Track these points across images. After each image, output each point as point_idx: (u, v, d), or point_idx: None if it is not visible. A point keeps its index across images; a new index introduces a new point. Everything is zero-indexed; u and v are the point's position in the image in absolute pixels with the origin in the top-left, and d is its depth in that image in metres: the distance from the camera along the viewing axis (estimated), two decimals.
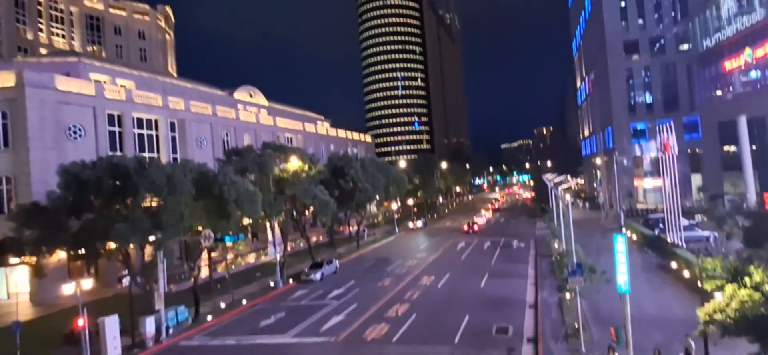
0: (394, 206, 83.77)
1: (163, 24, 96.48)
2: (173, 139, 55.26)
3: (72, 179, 32.83)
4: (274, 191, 45.11)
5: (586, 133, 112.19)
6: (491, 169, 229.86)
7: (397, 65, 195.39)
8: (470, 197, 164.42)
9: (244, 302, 36.55)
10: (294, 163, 47.83)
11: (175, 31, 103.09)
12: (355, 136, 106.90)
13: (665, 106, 76.01)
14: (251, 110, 74.01)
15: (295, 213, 49.99)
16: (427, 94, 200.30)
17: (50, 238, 31.03)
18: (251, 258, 53.99)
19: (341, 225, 68.61)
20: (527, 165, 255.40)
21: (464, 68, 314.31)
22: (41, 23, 76.64)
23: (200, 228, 36.69)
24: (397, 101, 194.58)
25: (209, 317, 32.75)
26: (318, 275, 43.35)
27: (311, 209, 49.59)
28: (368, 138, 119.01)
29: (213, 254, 43.46)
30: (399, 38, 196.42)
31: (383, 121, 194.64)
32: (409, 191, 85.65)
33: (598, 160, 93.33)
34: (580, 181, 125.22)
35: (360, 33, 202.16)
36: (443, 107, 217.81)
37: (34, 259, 31.42)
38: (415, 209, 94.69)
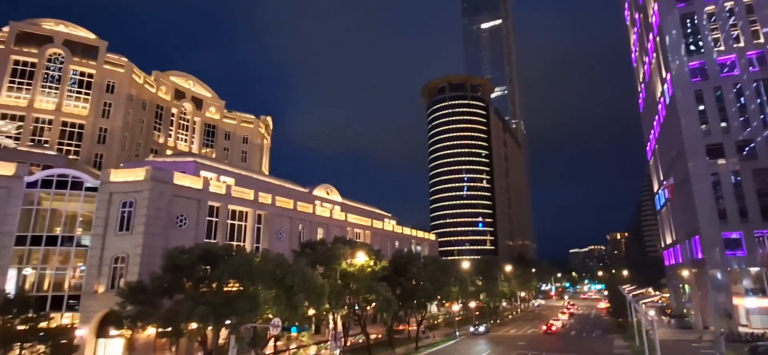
0: (456, 307, 79.84)
1: (263, 130, 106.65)
2: (258, 230, 58.97)
3: (171, 263, 35.98)
4: (340, 285, 45.60)
5: (668, 241, 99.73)
6: (559, 275, 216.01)
7: (463, 167, 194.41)
8: (536, 304, 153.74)
9: None
10: (360, 259, 48.26)
11: (273, 136, 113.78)
12: (420, 234, 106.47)
13: (763, 214, 64.66)
14: (327, 206, 77.41)
15: (357, 307, 49.25)
16: (492, 196, 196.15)
17: (146, 314, 33.71)
18: (312, 350, 52.57)
19: (401, 324, 64.54)
20: (600, 273, 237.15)
21: (530, 172, 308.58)
22: (171, 130, 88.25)
23: (270, 316, 37.91)
24: (461, 201, 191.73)
25: None
26: None
27: (373, 304, 48.98)
28: (432, 236, 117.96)
29: (278, 343, 43.41)
30: (465, 141, 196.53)
31: (447, 221, 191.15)
32: (471, 293, 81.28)
33: (685, 273, 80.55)
34: (665, 295, 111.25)
35: (428, 136, 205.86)
36: (508, 210, 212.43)
37: (129, 333, 34.02)
38: (477, 313, 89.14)
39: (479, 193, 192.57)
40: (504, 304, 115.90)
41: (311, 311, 43.23)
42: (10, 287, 38.08)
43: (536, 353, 55.25)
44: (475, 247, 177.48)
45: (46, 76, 69.37)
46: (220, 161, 74.22)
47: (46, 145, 64.92)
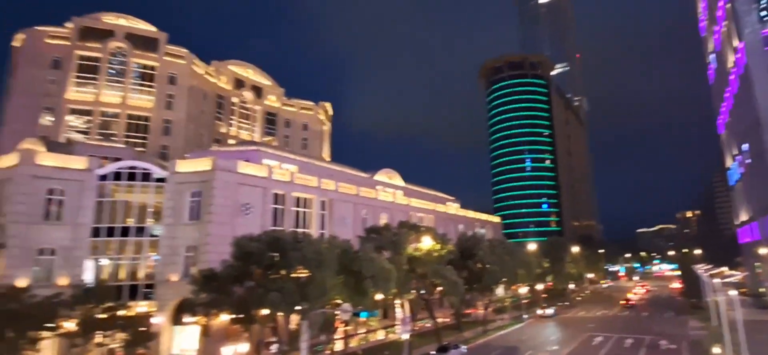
0: (523, 290, 77.10)
1: (322, 117, 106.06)
2: (322, 216, 58.08)
3: (240, 251, 35.40)
4: (407, 269, 44.24)
5: (743, 218, 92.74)
6: (627, 255, 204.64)
7: (525, 147, 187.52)
8: (605, 285, 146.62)
9: None
10: (426, 243, 46.57)
11: (332, 121, 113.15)
12: (483, 217, 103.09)
13: None
14: (389, 191, 75.75)
15: (424, 292, 48.06)
16: (556, 176, 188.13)
17: (219, 302, 33.41)
18: (380, 334, 52.06)
19: (468, 307, 63.71)
20: (670, 252, 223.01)
21: (593, 151, 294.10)
22: (233, 120, 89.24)
23: (338, 301, 36.97)
24: (525, 182, 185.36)
25: None
26: None
27: (440, 288, 47.62)
28: (496, 219, 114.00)
29: (347, 328, 42.91)
30: (527, 121, 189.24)
31: (511, 203, 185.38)
32: (538, 275, 78.94)
33: (763, 250, 75.90)
34: (740, 274, 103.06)
35: (489, 117, 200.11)
36: (572, 190, 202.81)
37: (204, 320, 33.87)
38: (545, 295, 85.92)
39: (542, 173, 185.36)
40: (572, 286, 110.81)
41: (379, 296, 42.28)
42: (89, 278, 38.76)
43: (607, 334, 52.14)
44: (540, 228, 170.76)
45: (110, 70, 71.28)
46: (281, 149, 74.05)
47: (114, 138, 66.87)
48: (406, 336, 41.66)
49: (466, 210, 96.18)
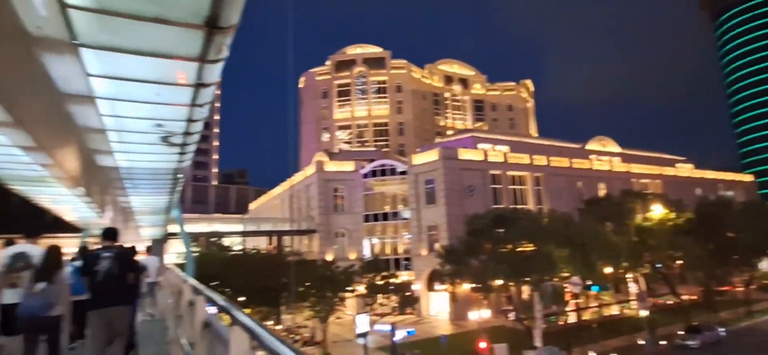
0: None
1: (524, 95, 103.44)
2: (538, 192, 57.95)
3: (470, 228, 39.17)
4: (636, 241, 40.92)
5: None
6: None
7: None
8: None
9: None
10: (656, 212, 42.01)
11: (536, 97, 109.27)
12: (728, 176, 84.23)
13: None
14: (603, 159, 69.92)
15: (660, 266, 42.79)
16: None
17: (459, 272, 37.81)
18: (614, 309, 47.54)
19: (721, 284, 49.45)
20: None
21: None
22: (448, 112, 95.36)
23: (566, 274, 37.17)
24: None
25: None
26: (696, 341, 34.09)
27: (679, 262, 42.22)
28: (747, 177, 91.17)
29: (578, 301, 41.77)
30: None
31: (766, 156, 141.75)
32: None
33: None
34: None
35: (721, 56, 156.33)
36: None
37: (450, 287, 38.82)
38: None
39: None
40: None
41: (608, 270, 40.35)
42: (367, 253, 48.67)
43: None
44: None
45: (357, 90, 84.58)
46: (492, 132, 75.97)
47: (366, 143, 79.64)
48: (644, 313, 37.25)
49: (702, 171, 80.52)
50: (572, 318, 40.35)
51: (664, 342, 35.31)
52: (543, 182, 57.81)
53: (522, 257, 35.90)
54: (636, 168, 69.66)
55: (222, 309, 3.69)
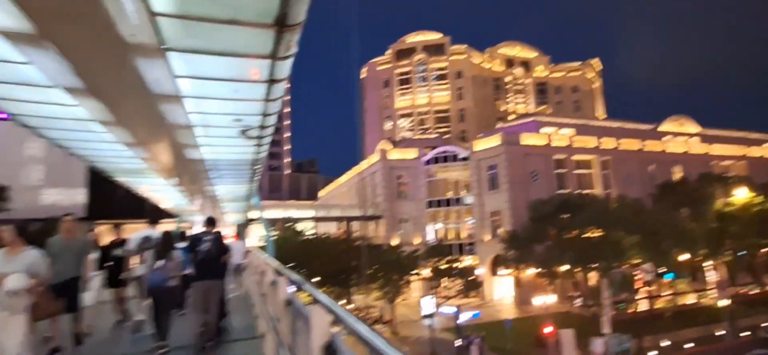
0: None
1: (591, 75, 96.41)
2: (605, 176, 54.22)
3: (534, 214, 37.66)
4: (716, 228, 37.15)
5: None
6: None
7: None
8: None
9: (688, 347, 30.81)
10: (739, 195, 37.81)
11: (603, 77, 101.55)
12: None
13: None
14: (679, 141, 63.53)
15: (743, 253, 39.09)
16: None
17: (523, 258, 36.63)
18: (690, 299, 43.47)
19: None
20: None
21: None
22: (509, 97, 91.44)
23: (637, 261, 34.75)
24: None
25: (652, 353, 29.60)
26: None
27: (765, 250, 37.89)
28: None
29: (650, 289, 38.82)
30: None
31: None
32: None
33: None
34: None
35: None
36: None
37: (514, 272, 37.75)
38: None
39: None
40: None
41: (683, 257, 37.07)
42: (431, 238, 48.59)
43: None
44: None
45: (417, 78, 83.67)
46: (555, 116, 72.07)
47: (428, 131, 78.86)
48: (724, 302, 34.23)
49: None
50: (644, 306, 37.67)
51: (746, 333, 32.54)
52: (611, 166, 54.03)
53: (589, 244, 34.24)
54: (717, 149, 62.69)
55: (301, 289, 3.90)
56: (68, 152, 8.76)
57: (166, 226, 10.72)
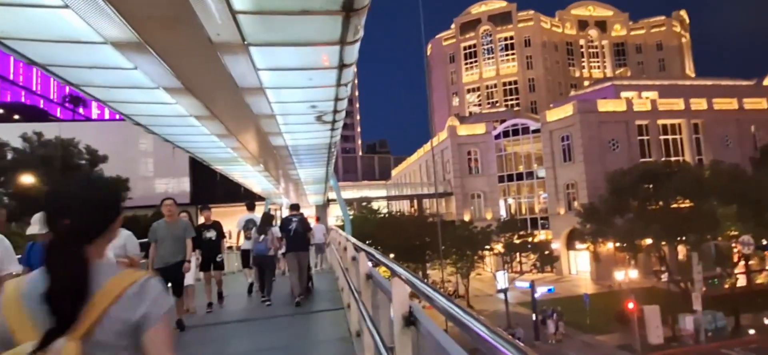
0: None
1: (678, 29, 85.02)
2: (697, 140, 48.17)
3: (614, 185, 34.66)
4: None
5: None
6: None
7: None
8: None
9: None
10: None
11: (691, 31, 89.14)
12: None
13: None
14: None
15: None
16: None
17: (602, 232, 34.04)
18: None
19: None
20: None
21: None
22: (583, 62, 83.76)
23: (734, 233, 30.65)
24: None
25: (751, 331, 26.17)
26: None
27: None
28: None
29: (750, 263, 34.24)
30: None
31: None
32: None
33: None
34: None
35: None
36: None
37: (591, 247, 35.28)
38: None
39: None
40: None
41: None
42: (503, 213, 47.10)
43: None
44: None
45: (484, 50, 79.92)
46: (637, 78, 65.38)
47: (496, 104, 75.58)
48: None
49: None
50: (741, 282, 33.39)
51: None
52: (703, 130, 47.86)
53: (678, 216, 30.81)
54: None
55: (379, 263, 4.03)
56: (173, 146, 9.72)
57: (260, 209, 11.68)
